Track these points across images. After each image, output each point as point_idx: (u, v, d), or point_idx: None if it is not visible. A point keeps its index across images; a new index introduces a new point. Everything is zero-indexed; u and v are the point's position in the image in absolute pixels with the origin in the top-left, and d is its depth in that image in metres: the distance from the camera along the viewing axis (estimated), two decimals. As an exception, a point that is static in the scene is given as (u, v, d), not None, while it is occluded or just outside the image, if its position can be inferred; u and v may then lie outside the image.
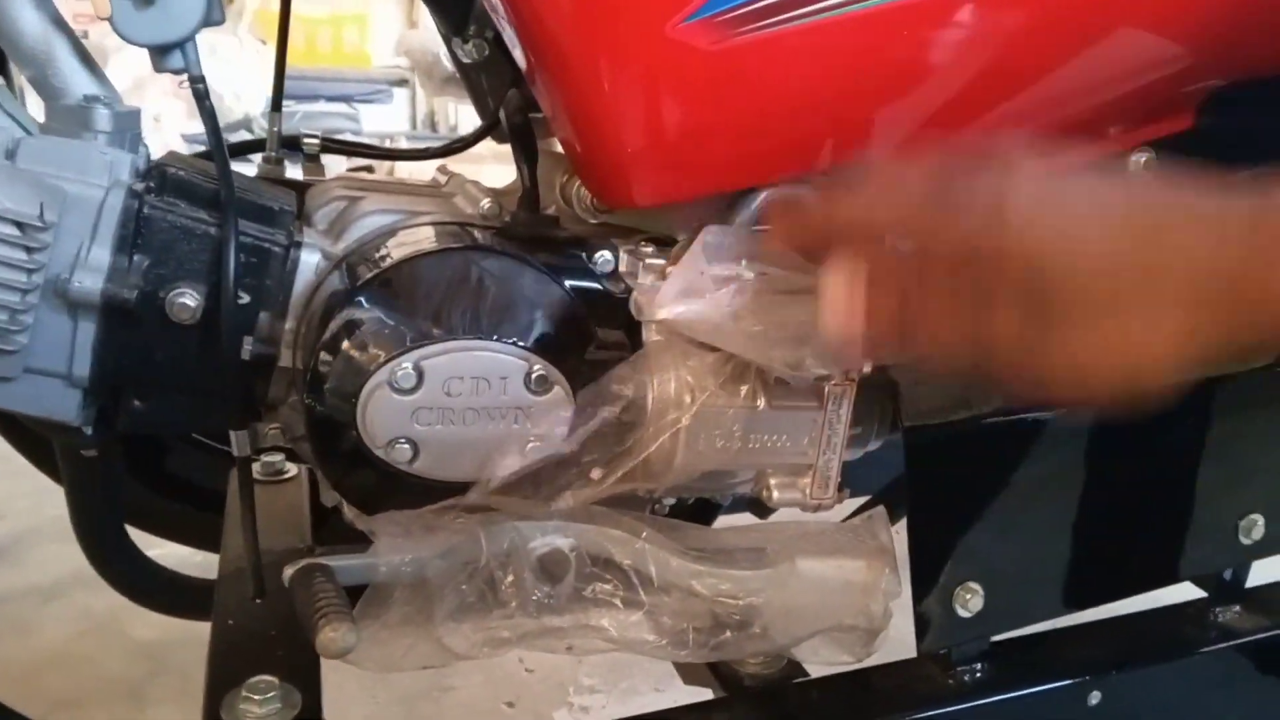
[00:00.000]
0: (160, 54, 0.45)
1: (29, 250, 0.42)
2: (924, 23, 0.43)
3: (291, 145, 0.61)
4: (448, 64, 0.64)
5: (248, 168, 0.57)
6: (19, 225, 0.42)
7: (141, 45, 0.44)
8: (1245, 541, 0.52)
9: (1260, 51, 0.51)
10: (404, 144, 3.23)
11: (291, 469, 0.68)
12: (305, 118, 3.37)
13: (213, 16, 0.45)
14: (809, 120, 0.43)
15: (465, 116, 3.58)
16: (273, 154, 0.61)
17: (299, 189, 0.56)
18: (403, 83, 3.86)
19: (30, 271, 0.43)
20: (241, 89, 3.38)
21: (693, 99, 0.42)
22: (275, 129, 0.61)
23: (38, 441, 0.64)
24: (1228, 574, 0.56)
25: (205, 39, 0.46)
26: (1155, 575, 0.53)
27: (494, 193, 0.53)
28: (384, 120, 3.76)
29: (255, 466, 0.67)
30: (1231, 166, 0.34)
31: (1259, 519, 0.52)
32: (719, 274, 0.41)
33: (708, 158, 0.43)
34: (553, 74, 0.44)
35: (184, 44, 0.45)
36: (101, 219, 0.44)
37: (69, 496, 0.58)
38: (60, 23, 0.46)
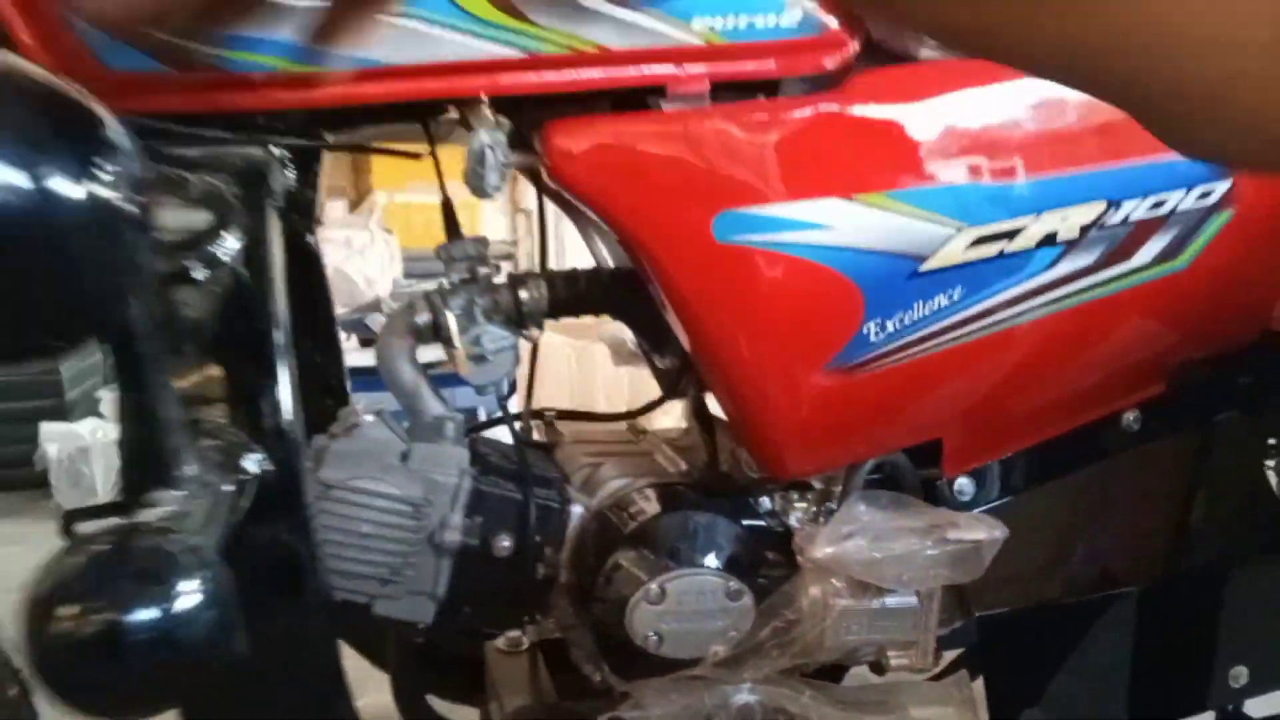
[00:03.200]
0: (485, 386, 0.72)
1: (417, 521, 0.69)
2: (978, 355, 0.68)
3: (536, 416, 0.88)
4: (632, 345, 0.91)
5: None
6: (414, 506, 0.69)
7: (479, 385, 0.72)
8: (1234, 686, 0.72)
9: (1221, 341, 0.75)
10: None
11: (526, 642, 0.93)
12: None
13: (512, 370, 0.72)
14: (905, 417, 0.69)
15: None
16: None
17: (548, 450, 0.83)
18: (509, 257, 4.29)
19: (417, 534, 0.69)
20: (373, 275, 3.84)
21: (829, 410, 0.67)
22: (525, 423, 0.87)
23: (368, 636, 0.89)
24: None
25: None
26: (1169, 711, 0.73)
27: (682, 451, 0.79)
28: (494, 292, 4.16)
29: (500, 641, 0.91)
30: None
31: (1244, 670, 0.72)
32: (851, 529, 0.66)
33: (837, 446, 0.68)
34: (727, 391, 0.70)
35: (500, 380, 0.72)
36: (456, 497, 0.71)
37: (394, 675, 0.83)
38: (422, 371, 0.74)
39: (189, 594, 0.38)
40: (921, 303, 0.65)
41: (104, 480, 2.32)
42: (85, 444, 2.31)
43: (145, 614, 0.37)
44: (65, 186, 0.36)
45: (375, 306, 3.85)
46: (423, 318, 0.70)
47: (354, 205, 4.32)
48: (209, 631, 0.39)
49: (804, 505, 0.71)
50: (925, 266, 0.65)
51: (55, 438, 2.31)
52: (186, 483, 0.45)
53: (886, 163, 0.64)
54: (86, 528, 0.46)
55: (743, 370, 0.66)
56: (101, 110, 0.40)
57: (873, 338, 0.65)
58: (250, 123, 0.61)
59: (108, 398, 2.51)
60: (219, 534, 0.45)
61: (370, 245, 4.07)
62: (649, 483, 0.74)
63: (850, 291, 0.64)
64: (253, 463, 0.54)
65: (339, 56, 0.56)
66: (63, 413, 2.47)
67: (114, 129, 0.40)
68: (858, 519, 0.66)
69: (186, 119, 0.58)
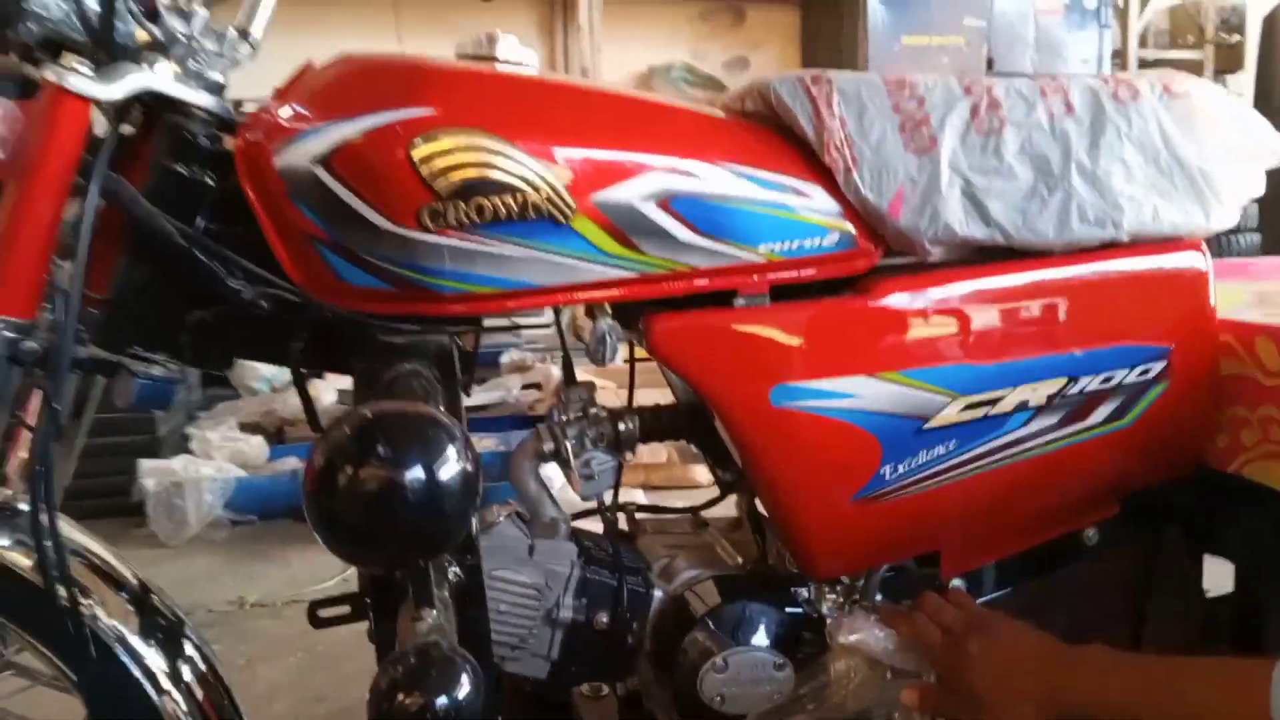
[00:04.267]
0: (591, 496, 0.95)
1: (539, 602, 0.92)
2: (968, 490, 0.89)
3: (621, 509, 1.10)
4: (695, 450, 1.13)
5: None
6: (538, 591, 0.91)
7: (586, 496, 0.94)
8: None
9: (1164, 473, 0.96)
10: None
11: (605, 689, 1.14)
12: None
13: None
14: (912, 535, 0.90)
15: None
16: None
17: (630, 539, 1.05)
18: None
19: (538, 612, 0.92)
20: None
21: (854, 531, 0.89)
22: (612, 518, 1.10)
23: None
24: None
25: None
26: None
27: (737, 545, 1.01)
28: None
29: (584, 688, 1.13)
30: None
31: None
32: (868, 622, 0.88)
33: (860, 556, 0.90)
34: (774, 511, 0.92)
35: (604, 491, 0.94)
36: (568, 584, 0.93)
37: (505, 713, 1.05)
38: (542, 483, 0.96)
39: (469, 689, 0.62)
40: (925, 451, 0.87)
41: (195, 513, 2.57)
42: (179, 479, 2.56)
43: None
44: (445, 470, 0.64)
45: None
46: (548, 445, 0.93)
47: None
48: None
49: (834, 597, 0.93)
50: (928, 425, 0.87)
51: (152, 473, 2.56)
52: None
53: (900, 348, 0.87)
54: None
55: (789, 500, 0.88)
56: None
57: (888, 477, 0.87)
58: (437, 319, 0.84)
59: (196, 436, 2.78)
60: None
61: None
62: (714, 574, 0.96)
63: (871, 444, 0.86)
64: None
65: (505, 279, 0.79)
66: (155, 449, 2.73)
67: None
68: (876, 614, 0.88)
69: (396, 318, 0.81)
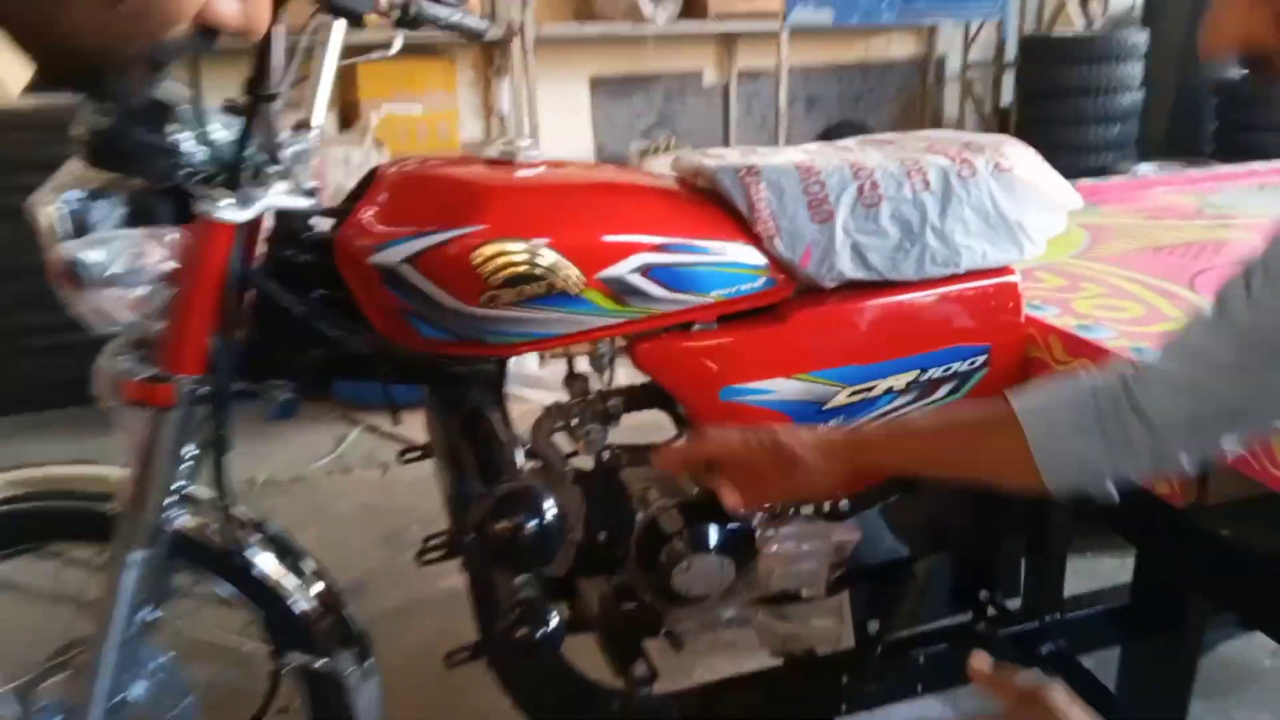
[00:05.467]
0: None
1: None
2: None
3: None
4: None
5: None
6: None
7: (587, 455, 1.33)
8: None
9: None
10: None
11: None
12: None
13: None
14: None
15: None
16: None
17: (614, 473, 1.45)
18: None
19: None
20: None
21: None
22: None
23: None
24: None
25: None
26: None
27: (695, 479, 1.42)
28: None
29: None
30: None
31: None
32: (784, 534, 1.31)
33: (777, 492, 1.33)
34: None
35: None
36: (579, 514, 1.33)
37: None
38: (555, 447, 1.35)
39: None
40: (823, 425, 1.28)
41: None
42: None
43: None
44: (548, 515, 1.02)
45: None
46: (559, 421, 1.31)
47: (344, 119, 4.72)
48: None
49: (760, 516, 1.35)
50: (825, 408, 1.27)
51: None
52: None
53: (806, 355, 1.25)
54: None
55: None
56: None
57: (798, 443, 1.28)
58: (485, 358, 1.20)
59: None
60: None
61: (366, 161, 4.51)
62: (677, 501, 1.37)
63: (788, 422, 1.26)
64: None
65: (535, 334, 1.15)
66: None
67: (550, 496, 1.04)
68: (792, 531, 1.31)
69: (457, 359, 1.17)
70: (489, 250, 1.09)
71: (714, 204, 1.23)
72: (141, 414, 1.10)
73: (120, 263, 1.00)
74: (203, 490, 1.20)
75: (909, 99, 5.71)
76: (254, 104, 1.04)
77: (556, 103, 4.62)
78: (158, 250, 1.03)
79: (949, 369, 1.30)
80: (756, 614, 1.37)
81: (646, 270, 1.16)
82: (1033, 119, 4.91)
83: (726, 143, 5.34)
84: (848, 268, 1.24)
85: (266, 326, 1.15)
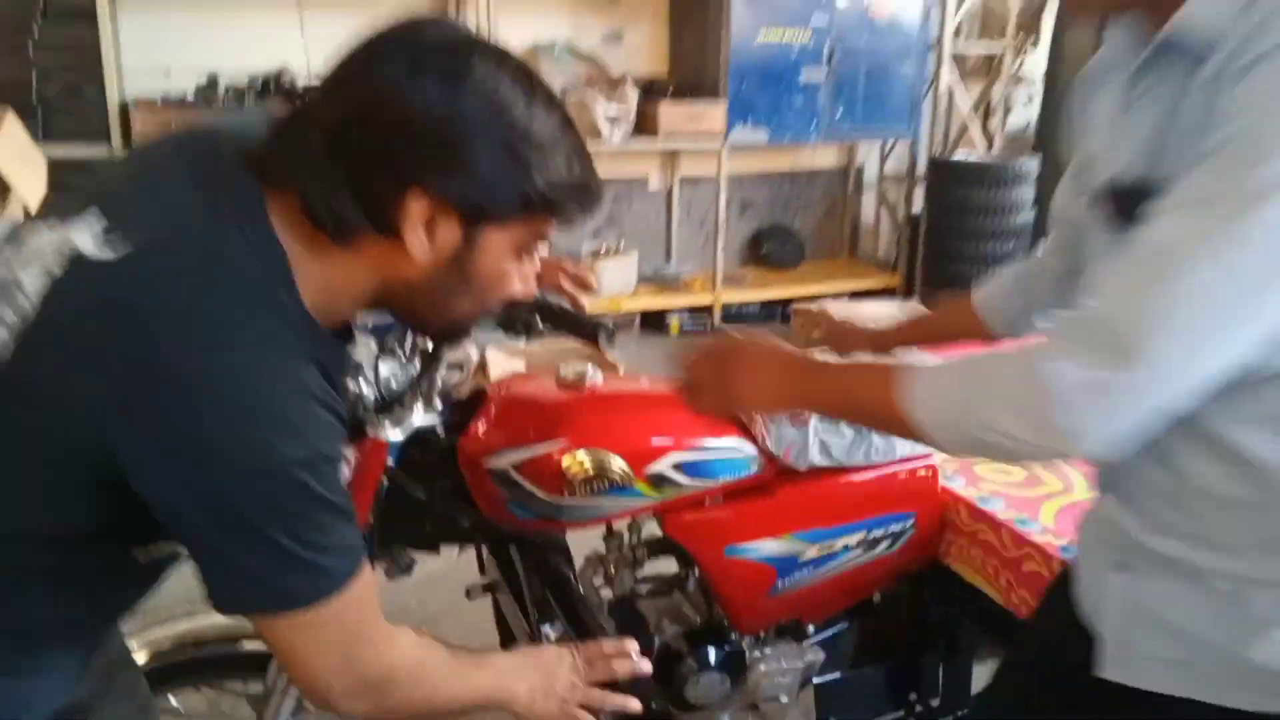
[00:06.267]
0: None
1: (599, 651, 1.73)
2: (817, 591, 1.76)
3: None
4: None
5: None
6: (598, 646, 1.73)
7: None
8: None
9: (915, 566, 1.87)
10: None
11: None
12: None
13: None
14: (791, 611, 1.77)
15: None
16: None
17: (632, 603, 1.87)
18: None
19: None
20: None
21: (762, 611, 1.74)
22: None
23: None
24: None
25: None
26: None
27: (695, 607, 1.86)
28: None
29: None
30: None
31: None
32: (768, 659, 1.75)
33: (766, 621, 1.76)
34: (722, 600, 1.76)
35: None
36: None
37: None
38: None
39: None
40: (798, 572, 1.73)
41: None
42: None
43: None
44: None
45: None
46: (598, 569, 1.73)
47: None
48: None
49: (750, 640, 1.79)
50: (800, 560, 1.72)
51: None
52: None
53: (789, 522, 1.71)
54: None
55: (733, 597, 1.73)
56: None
57: (780, 587, 1.72)
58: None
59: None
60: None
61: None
62: (686, 630, 1.80)
63: (770, 573, 1.71)
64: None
65: (596, 514, 1.58)
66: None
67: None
68: (774, 652, 1.75)
69: (540, 531, 1.59)
70: (571, 459, 1.52)
71: (722, 412, 1.68)
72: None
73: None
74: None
75: (832, 204, 6.33)
76: (434, 358, 1.46)
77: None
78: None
79: (887, 529, 1.77)
80: (747, 717, 1.80)
81: (679, 465, 1.60)
82: (940, 228, 5.54)
83: (669, 244, 5.87)
84: (817, 458, 1.70)
85: (397, 508, 1.55)
